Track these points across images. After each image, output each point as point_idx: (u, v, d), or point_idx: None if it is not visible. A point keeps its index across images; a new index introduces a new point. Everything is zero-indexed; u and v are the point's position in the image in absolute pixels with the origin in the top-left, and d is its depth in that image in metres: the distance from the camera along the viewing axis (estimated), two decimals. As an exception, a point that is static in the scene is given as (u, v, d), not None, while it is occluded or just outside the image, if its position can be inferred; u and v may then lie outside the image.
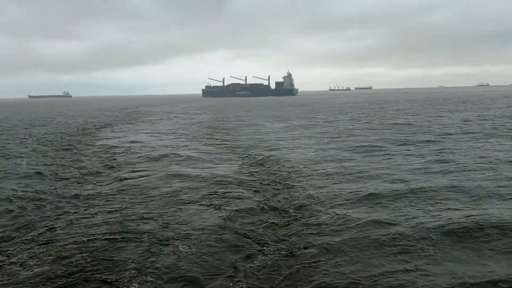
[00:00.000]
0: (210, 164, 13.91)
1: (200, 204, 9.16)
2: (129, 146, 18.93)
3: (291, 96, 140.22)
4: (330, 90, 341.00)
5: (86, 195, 10.14)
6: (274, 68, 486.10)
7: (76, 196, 9.97)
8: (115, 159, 15.31)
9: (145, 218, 8.29)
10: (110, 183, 11.46)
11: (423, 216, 7.81)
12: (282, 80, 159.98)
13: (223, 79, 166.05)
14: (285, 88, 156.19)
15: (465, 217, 7.44)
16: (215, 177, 11.75)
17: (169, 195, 9.93)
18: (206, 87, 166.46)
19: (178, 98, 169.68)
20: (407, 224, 7.37)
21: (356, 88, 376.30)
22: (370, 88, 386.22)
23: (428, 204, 8.56)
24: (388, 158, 13.98)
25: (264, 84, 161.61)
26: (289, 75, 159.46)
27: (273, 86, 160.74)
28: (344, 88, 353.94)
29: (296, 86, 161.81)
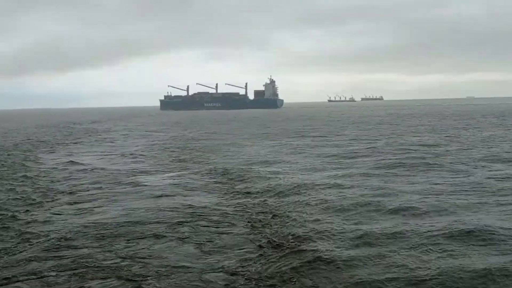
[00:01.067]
0: (180, 191, 14.08)
1: (173, 238, 9.30)
2: (73, 171, 18.89)
3: (275, 109, 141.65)
4: (330, 101, 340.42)
5: (23, 230, 10.08)
6: (257, 73, 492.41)
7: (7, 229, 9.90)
8: (53, 188, 15.28)
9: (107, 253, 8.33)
10: (50, 216, 11.43)
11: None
12: (263, 88, 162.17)
13: (188, 87, 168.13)
14: (267, 98, 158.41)
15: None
16: (186, 208, 11.92)
17: (131, 227, 9.99)
18: (166, 97, 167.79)
19: (129, 112, 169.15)
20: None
21: (362, 99, 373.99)
22: (381, 99, 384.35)
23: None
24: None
25: (241, 93, 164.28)
26: (272, 82, 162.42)
27: (251, 96, 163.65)
28: (348, 99, 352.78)
29: (281, 96, 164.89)
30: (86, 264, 8.05)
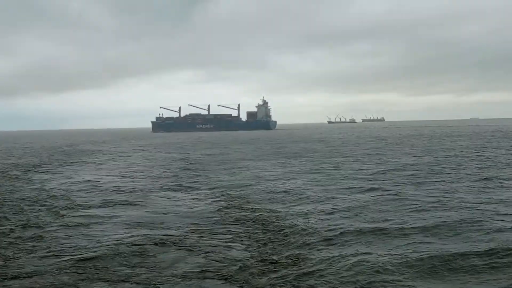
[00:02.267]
0: (183, 209, 14.51)
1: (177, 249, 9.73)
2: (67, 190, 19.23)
3: (267, 131, 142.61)
4: (329, 122, 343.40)
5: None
6: (253, 94, 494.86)
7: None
8: (53, 205, 15.63)
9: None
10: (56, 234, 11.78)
11: None
12: (255, 109, 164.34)
13: (179, 108, 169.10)
14: (259, 120, 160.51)
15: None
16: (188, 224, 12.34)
17: (140, 238, 10.40)
18: (157, 118, 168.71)
19: (120, 133, 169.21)
20: None
21: (363, 120, 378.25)
22: (382, 120, 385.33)
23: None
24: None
25: (233, 114, 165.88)
26: (265, 103, 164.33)
27: (244, 117, 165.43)
28: (348, 120, 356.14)
29: (277, 118, 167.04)
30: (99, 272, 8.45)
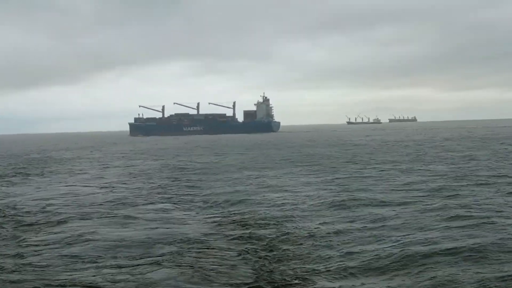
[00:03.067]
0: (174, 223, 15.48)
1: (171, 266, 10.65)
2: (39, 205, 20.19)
3: (269, 134, 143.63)
4: (349, 123, 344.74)
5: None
6: (256, 90, 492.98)
7: None
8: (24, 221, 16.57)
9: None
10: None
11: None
12: (254, 108, 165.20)
13: (163, 107, 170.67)
14: (259, 121, 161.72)
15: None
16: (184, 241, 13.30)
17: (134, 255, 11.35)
18: (136, 120, 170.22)
19: (91, 138, 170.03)
20: None
21: (391, 120, 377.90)
22: (414, 119, 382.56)
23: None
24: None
25: (228, 114, 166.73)
26: (266, 100, 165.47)
27: (241, 117, 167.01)
28: (371, 120, 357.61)
29: (281, 117, 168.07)
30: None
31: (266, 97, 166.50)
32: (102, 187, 26.07)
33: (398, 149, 51.94)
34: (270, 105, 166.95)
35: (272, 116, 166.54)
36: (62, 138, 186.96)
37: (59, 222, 16.69)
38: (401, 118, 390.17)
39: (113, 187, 26.05)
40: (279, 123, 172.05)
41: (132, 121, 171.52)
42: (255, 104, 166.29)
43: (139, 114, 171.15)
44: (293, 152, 51.76)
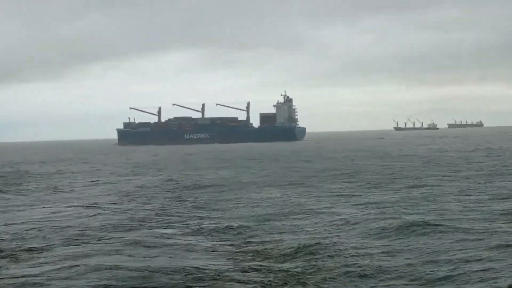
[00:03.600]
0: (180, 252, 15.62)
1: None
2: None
3: (292, 142, 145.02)
4: (397, 128, 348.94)
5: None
6: (275, 88, 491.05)
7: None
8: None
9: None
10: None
11: None
12: (273, 111, 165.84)
13: (159, 109, 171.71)
14: (280, 126, 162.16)
15: None
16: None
17: None
18: (126, 125, 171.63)
19: (72, 147, 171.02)
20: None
21: (449, 125, 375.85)
22: (479, 125, 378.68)
23: None
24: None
25: (240, 118, 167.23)
26: (288, 101, 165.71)
27: (256, 122, 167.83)
28: (426, 125, 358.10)
29: (303, 122, 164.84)
30: None
31: (288, 97, 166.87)
32: (89, 208, 26.29)
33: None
34: (294, 107, 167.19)
35: (295, 121, 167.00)
36: (38, 148, 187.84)
37: (40, 250, 16.89)
38: (464, 122, 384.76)
39: (103, 208, 26.28)
40: (304, 129, 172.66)
41: (121, 126, 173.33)
42: (274, 106, 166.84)
43: (129, 118, 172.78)
44: (326, 166, 51.77)
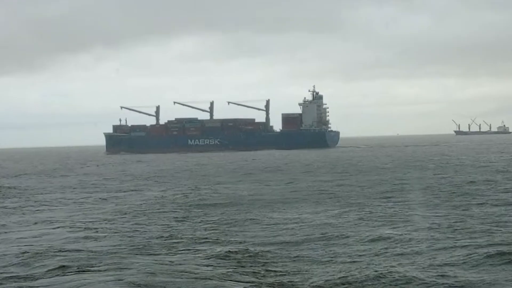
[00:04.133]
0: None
1: None
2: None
3: (323, 150, 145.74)
4: (458, 132, 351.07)
5: None
6: (308, 80, 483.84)
7: None
8: None
9: None
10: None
11: None
12: (299, 110, 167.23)
13: (157, 109, 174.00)
14: (307, 130, 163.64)
15: None
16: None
17: None
18: (117, 128, 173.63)
19: (54, 156, 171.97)
20: None
21: None
22: None
23: None
24: None
25: (257, 120, 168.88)
26: (317, 98, 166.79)
27: (278, 124, 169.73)
28: (496, 129, 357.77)
29: (336, 125, 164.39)
30: None
31: (317, 93, 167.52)
32: (80, 229, 26.85)
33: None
34: (324, 106, 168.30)
35: (326, 123, 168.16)
36: (10, 156, 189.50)
37: (23, 279, 17.55)
38: None
39: (97, 230, 26.86)
40: (337, 133, 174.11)
41: (110, 130, 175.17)
42: (300, 105, 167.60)
43: (120, 120, 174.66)
44: (368, 178, 52.19)
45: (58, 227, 27.91)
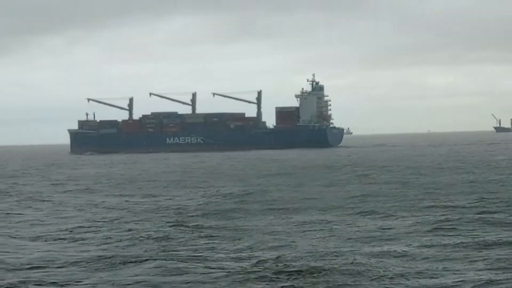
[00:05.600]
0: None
1: None
2: None
3: (322, 150, 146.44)
4: (498, 129, 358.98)
5: None
6: (322, 67, 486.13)
7: None
8: None
9: None
10: None
11: None
12: (296, 103, 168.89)
13: (131, 101, 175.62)
14: (305, 126, 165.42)
15: None
16: None
17: None
18: (83, 124, 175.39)
19: (10, 155, 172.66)
20: None
21: None
22: None
23: None
24: None
25: (248, 115, 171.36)
26: (317, 89, 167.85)
27: (271, 118, 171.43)
28: None
29: (342, 121, 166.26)
30: None
31: (317, 83, 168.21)
32: (50, 240, 27.58)
33: None
34: (326, 98, 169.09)
35: (328, 118, 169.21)
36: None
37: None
38: None
39: (71, 239, 27.26)
40: (341, 130, 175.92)
41: (76, 126, 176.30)
42: (297, 97, 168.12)
43: (87, 115, 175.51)
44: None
45: (16, 237, 28.16)
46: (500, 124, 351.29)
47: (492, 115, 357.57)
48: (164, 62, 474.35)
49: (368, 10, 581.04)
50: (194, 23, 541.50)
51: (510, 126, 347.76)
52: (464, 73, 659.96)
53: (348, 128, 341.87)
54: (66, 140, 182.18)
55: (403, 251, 24.80)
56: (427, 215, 34.20)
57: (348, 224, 30.97)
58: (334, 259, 22.24)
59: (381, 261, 22.09)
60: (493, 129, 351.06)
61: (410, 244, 26.06)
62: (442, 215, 33.73)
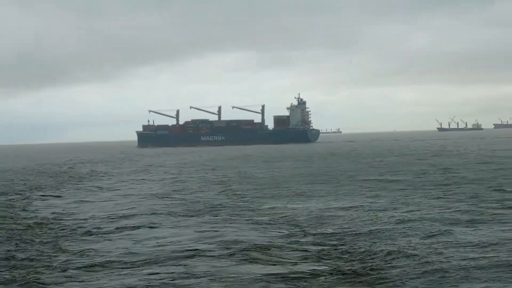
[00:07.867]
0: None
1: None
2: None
3: (305, 144, 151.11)
4: (440, 129, 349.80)
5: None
6: (328, 87, 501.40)
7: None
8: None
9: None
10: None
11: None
12: (287, 113, 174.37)
13: (177, 112, 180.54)
14: (293, 128, 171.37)
15: None
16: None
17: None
18: (145, 127, 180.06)
19: (89, 150, 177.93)
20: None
21: (496, 126, 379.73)
22: None
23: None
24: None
25: (256, 121, 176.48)
26: (301, 103, 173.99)
27: (271, 123, 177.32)
28: (471, 126, 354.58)
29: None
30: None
31: (301, 99, 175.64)
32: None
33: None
34: (307, 109, 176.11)
35: (308, 123, 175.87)
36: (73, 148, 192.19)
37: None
38: (511, 123, 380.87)
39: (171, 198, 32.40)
40: (318, 131, 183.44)
41: (141, 129, 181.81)
42: (288, 108, 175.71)
43: (149, 121, 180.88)
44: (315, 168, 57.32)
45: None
46: (441, 125, 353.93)
47: (436, 119, 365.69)
48: (212, 83, 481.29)
49: (357, 46, 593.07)
50: (232, 57, 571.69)
51: (448, 127, 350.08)
52: (420, 90, 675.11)
53: (338, 129, 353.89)
54: (134, 138, 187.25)
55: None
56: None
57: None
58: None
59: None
60: (436, 129, 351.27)
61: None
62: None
